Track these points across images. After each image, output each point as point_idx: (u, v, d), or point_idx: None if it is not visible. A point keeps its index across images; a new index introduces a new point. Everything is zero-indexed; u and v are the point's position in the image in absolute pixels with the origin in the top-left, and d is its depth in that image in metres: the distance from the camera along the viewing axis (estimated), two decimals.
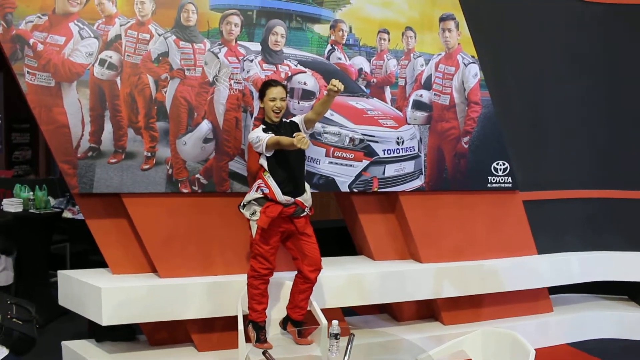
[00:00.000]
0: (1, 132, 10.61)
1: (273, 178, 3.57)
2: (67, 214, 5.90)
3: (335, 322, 2.85)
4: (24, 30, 3.51)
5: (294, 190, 3.62)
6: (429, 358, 3.03)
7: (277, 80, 3.77)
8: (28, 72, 3.53)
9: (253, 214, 3.60)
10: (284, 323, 3.83)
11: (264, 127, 3.62)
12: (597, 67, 5.12)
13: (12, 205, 5.08)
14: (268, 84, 3.65)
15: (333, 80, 3.43)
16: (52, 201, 5.66)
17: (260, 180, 3.62)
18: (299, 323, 3.76)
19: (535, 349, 2.81)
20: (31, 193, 5.23)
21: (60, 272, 4.00)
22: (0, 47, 3.51)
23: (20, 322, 2.79)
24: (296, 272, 3.78)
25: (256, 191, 3.61)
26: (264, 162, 3.62)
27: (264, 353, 2.94)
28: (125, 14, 3.70)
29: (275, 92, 3.59)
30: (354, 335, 3.09)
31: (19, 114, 9.89)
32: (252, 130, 3.70)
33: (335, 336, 2.82)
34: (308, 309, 3.84)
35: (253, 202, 3.61)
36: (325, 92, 3.59)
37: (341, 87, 3.42)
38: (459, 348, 3.18)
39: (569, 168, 5.10)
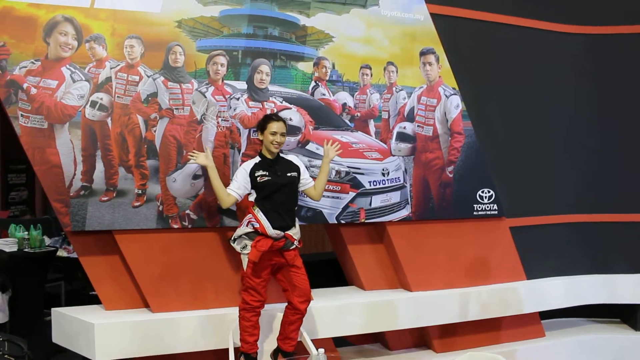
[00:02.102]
0: None
1: (262, 212, 3.67)
2: (62, 253, 5.95)
3: (321, 351, 2.91)
4: (18, 75, 3.62)
5: (283, 224, 3.71)
6: None
7: (279, 115, 3.90)
8: (22, 115, 3.63)
9: (244, 247, 3.69)
10: (274, 354, 3.87)
11: (258, 160, 3.74)
12: (578, 94, 5.29)
13: (7, 245, 5.14)
14: (270, 117, 3.77)
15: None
16: (48, 240, 5.71)
17: (250, 215, 3.72)
18: (290, 354, 3.80)
19: None
20: (26, 233, 5.30)
21: (54, 310, 4.04)
22: None
23: (12, 359, 2.84)
24: (286, 304, 3.84)
25: (247, 226, 3.70)
26: (252, 197, 3.73)
27: None
28: (115, 58, 3.83)
29: (276, 126, 3.71)
30: None
31: (15, 155, 10.00)
32: (240, 165, 3.83)
33: None
34: (299, 339, 3.89)
35: (244, 236, 3.70)
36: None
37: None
38: None
39: (554, 193, 5.21)
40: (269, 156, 3.76)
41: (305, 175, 3.87)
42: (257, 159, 3.77)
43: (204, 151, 3.90)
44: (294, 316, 3.80)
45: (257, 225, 3.66)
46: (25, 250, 5.20)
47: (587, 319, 5.69)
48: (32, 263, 5.15)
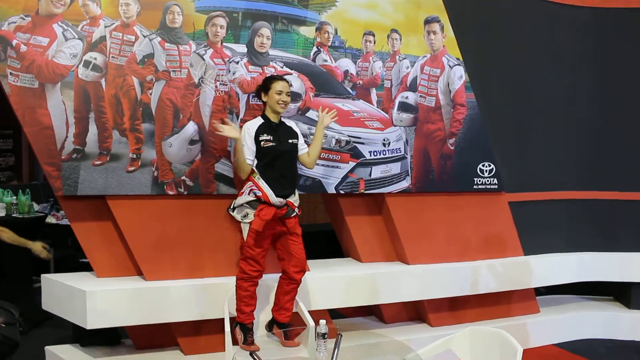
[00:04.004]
0: None
1: (264, 180, 3.56)
2: (51, 220, 5.83)
3: (322, 322, 2.83)
4: (7, 31, 3.46)
5: (284, 192, 3.62)
6: (417, 357, 3.02)
7: (281, 75, 3.80)
8: (11, 74, 3.48)
9: (245, 216, 3.58)
10: (269, 326, 3.81)
11: (261, 121, 3.61)
12: (583, 69, 5.19)
13: None
14: (273, 77, 3.71)
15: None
16: (36, 206, 5.60)
17: (250, 183, 3.60)
18: (285, 325, 3.73)
19: (523, 350, 2.81)
20: (14, 197, 5.18)
21: (44, 276, 3.94)
22: None
23: (3, 325, 2.74)
24: (280, 274, 3.76)
25: (248, 194, 3.58)
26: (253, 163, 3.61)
27: (251, 354, 2.91)
28: (110, 16, 3.67)
29: (281, 85, 3.62)
30: (341, 335, 3.07)
31: (1, 121, 9.79)
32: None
33: (323, 336, 2.80)
34: (295, 310, 3.83)
35: (245, 205, 3.59)
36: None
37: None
38: (447, 347, 3.18)
39: (554, 169, 5.15)
40: (273, 119, 3.65)
41: (300, 141, 3.77)
42: (260, 120, 3.65)
43: (201, 115, 3.77)
44: (289, 286, 3.73)
45: (259, 194, 3.55)
46: (14, 215, 5.09)
47: (581, 296, 5.70)
48: (21, 229, 5.02)
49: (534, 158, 5.06)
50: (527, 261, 4.99)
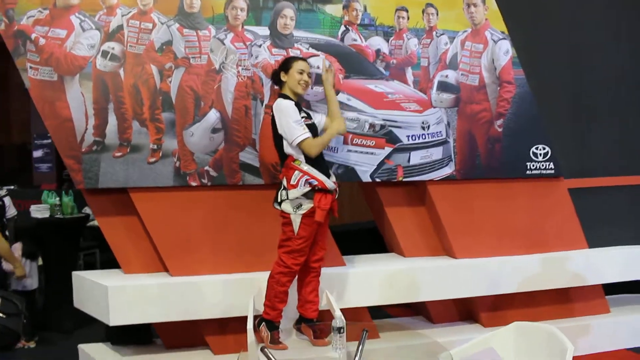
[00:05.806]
0: (52, 152, 10.94)
1: (311, 165, 3.33)
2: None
3: (338, 314, 2.58)
4: (26, 25, 3.48)
5: (328, 172, 3.41)
6: (449, 357, 2.69)
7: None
8: (30, 67, 3.49)
9: (298, 207, 3.32)
10: (298, 324, 3.56)
11: (291, 100, 3.39)
12: None
13: (39, 211, 5.10)
14: (293, 57, 3.53)
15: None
16: (87, 209, 5.65)
17: (298, 172, 3.32)
18: (314, 321, 3.47)
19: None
20: (58, 199, 5.23)
21: (74, 273, 3.91)
22: (4, 43, 3.48)
23: (4, 316, 2.65)
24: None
25: (304, 185, 3.32)
26: (295, 150, 3.35)
27: (262, 350, 2.67)
28: (127, 4, 3.60)
29: (303, 64, 3.43)
30: (366, 331, 2.80)
31: None
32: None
33: (339, 330, 2.53)
34: (325, 308, 3.57)
35: (300, 196, 3.33)
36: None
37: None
38: (488, 345, 2.84)
39: (620, 151, 4.62)
40: (295, 99, 3.43)
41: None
42: (290, 100, 3.39)
43: (223, 102, 3.62)
44: (308, 276, 3.48)
45: (315, 183, 3.30)
46: (57, 216, 5.14)
47: None
48: (63, 228, 5.07)
49: (596, 138, 4.56)
50: (592, 255, 4.49)
